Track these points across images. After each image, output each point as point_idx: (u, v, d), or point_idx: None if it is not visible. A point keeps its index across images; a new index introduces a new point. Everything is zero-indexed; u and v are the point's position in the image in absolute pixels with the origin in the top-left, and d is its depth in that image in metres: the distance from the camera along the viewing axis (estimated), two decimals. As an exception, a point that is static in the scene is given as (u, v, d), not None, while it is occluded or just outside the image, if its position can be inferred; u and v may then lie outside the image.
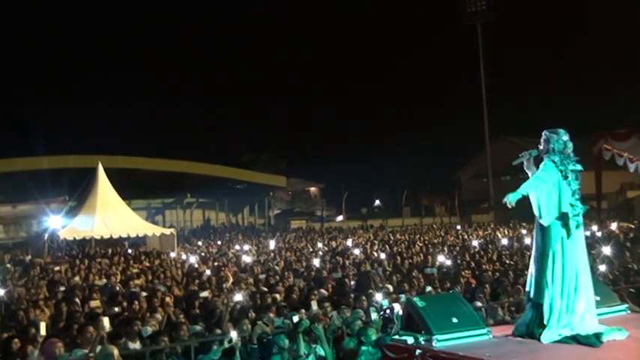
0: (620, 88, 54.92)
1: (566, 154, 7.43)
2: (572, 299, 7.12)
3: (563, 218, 7.22)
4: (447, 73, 67.80)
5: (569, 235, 7.20)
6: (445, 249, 24.98)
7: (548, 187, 7.27)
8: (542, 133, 7.57)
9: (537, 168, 7.52)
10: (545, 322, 7.11)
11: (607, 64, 57.78)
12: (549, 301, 7.15)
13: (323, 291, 14.13)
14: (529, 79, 61.84)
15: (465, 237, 33.48)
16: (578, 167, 7.44)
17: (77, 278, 19.81)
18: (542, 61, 63.65)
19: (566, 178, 7.29)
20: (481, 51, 55.27)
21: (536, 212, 7.34)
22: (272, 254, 26.51)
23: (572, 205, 7.25)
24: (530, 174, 7.56)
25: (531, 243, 7.78)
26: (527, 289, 7.63)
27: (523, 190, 7.28)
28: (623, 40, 57.39)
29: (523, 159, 7.72)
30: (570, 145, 7.49)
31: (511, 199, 7.23)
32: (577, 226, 7.28)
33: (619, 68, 57.33)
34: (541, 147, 7.57)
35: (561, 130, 7.53)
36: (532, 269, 7.54)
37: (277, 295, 13.58)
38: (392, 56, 73.43)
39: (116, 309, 13.12)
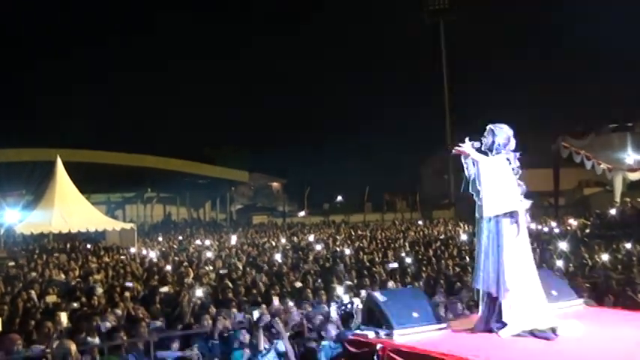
0: (580, 87, 55.70)
1: (513, 150, 7.46)
2: (526, 294, 7.20)
3: (516, 215, 7.27)
4: (409, 69, 67.91)
5: (519, 230, 7.25)
6: (406, 244, 25.18)
7: (502, 183, 7.26)
8: (487, 127, 7.57)
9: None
10: (502, 317, 7.19)
11: (569, 62, 58.31)
12: (504, 296, 7.22)
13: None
14: (490, 76, 62.37)
15: (426, 232, 33.76)
16: (517, 163, 7.47)
17: (34, 273, 19.59)
18: (502, 57, 64.08)
19: (517, 174, 7.35)
20: (444, 49, 55.69)
21: (485, 207, 7.33)
22: (234, 249, 26.44)
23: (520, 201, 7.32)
24: (469, 165, 7.53)
25: (478, 239, 7.75)
26: (477, 285, 7.67)
27: (482, 171, 7.24)
28: (586, 38, 58.02)
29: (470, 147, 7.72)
30: (513, 140, 7.48)
31: (470, 156, 7.26)
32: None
33: (583, 67, 58.02)
34: (485, 140, 7.55)
35: (505, 126, 7.53)
36: (482, 265, 7.58)
37: (239, 290, 13.58)
38: (353, 52, 73.28)
39: (75, 304, 13.00)
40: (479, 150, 7.54)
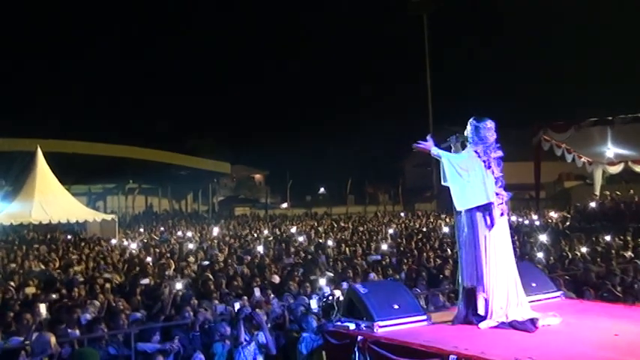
0: (560, 81, 56.01)
1: (490, 143, 7.47)
2: (505, 286, 7.24)
3: (489, 207, 7.30)
4: (393, 62, 68.00)
5: (494, 223, 7.29)
6: (388, 237, 25.22)
7: (470, 176, 7.30)
8: (469, 121, 7.61)
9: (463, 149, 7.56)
10: (481, 309, 7.24)
11: (550, 55, 58.70)
12: (483, 289, 7.27)
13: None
14: (473, 70, 62.61)
15: (408, 225, 33.83)
16: (499, 154, 7.50)
17: (13, 265, 19.47)
18: (485, 51, 64.29)
19: (489, 167, 7.36)
20: (427, 41, 55.63)
21: (456, 202, 7.40)
22: (215, 241, 26.38)
23: (496, 194, 7.34)
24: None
25: (457, 232, 7.79)
26: (458, 277, 7.72)
27: (446, 166, 7.30)
28: (565, 34, 58.39)
29: (450, 143, 7.75)
30: (494, 134, 7.50)
31: (432, 151, 7.33)
32: (502, 214, 7.36)
33: (563, 60, 58.33)
34: (466, 133, 7.61)
35: (487, 119, 7.54)
36: (461, 258, 7.63)
37: (221, 282, 13.56)
38: (337, 44, 73.26)
39: (54, 296, 12.94)
40: (456, 143, 7.58)
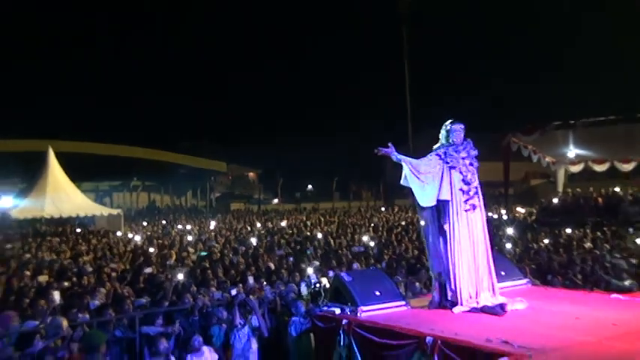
0: (527, 85, 56.17)
1: (457, 144, 7.49)
2: (474, 274, 7.27)
3: (448, 203, 7.33)
4: (375, 66, 68.06)
5: (459, 216, 7.30)
6: (371, 229, 25.24)
7: (427, 178, 7.32)
8: (443, 125, 7.63)
9: None
10: (454, 296, 7.27)
11: (522, 60, 58.67)
12: (448, 277, 7.29)
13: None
14: (452, 72, 62.83)
15: (389, 219, 33.86)
16: (474, 152, 7.53)
17: (28, 255, 19.38)
18: (464, 55, 64.41)
19: (452, 167, 7.35)
20: (406, 48, 55.42)
21: (417, 199, 7.40)
22: (213, 234, 26.34)
23: (462, 191, 7.35)
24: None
25: (424, 226, 7.82)
26: (430, 267, 7.75)
27: (405, 168, 7.34)
28: (542, 37, 58.42)
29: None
30: (461, 135, 7.51)
31: (393, 156, 7.34)
32: (474, 208, 7.36)
33: (534, 65, 58.50)
34: (440, 136, 7.65)
35: (458, 123, 7.57)
36: (428, 249, 7.66)
37: (217, 271, 13.54)
38: (322, 49, 73.29)
39: (66, 283, 12.91)
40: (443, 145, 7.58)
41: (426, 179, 7.30)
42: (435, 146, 7.65)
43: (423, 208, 7.51)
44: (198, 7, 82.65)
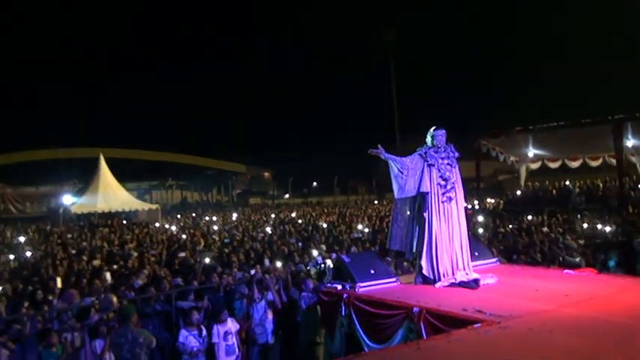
0: (498, 96, 56.11)
1: (438, 147, 7.45)
2: (450, 255, 7.26)
3: (427, 195, 7.29)
4: (368, 84, 68.02)
5: (436, 206, 7.27)
6: (366, 219, 25.23)
7: (408, 174, 7.30)
8: (429, 131, 7.60)
9: None
10: (434, 273, 7.26)
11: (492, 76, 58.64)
12: (433, 258, 7.28)
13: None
14: (432, 87, 62.97)
15: (381, 209, 33.85)
16: (454, 154, 7.50)
17: (84, 243, 19.46)
18: (442, 68, 64.41)
19: (431, 165, 7.32)
20: (393, 69, 55.18)
21: (395, 192, 7.40)
22: (234, 224, 26.35)
23: (440, 185, 7.32)
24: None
25: (397, 214, 7.82)
26: (412, 249, 7.74)
27: (391, 166, 7.35)
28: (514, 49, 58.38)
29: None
30: (442, 139, 7.48)
31: (383, 155, 7.32)
32: (450, 200, 7.33)
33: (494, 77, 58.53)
34: (427, 139, 7.61)
35: (441, 129, 7.54)
36: (412, 235, 7.64)
37: (239, 254, 13.56)
38: (323, 66, 73.54)
39: (115, 266, 12.95)
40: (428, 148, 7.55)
41: (408, 174, 7.33)
42: (418, 148, 7.65)
43: (401, 199, 7.52)
44: (209, 20, 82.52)
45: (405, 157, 7.46)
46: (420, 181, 7.31)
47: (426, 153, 7.40)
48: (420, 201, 7.43)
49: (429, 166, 7.33)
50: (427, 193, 7.28)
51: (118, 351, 6.63)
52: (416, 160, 7.39)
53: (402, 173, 7.31)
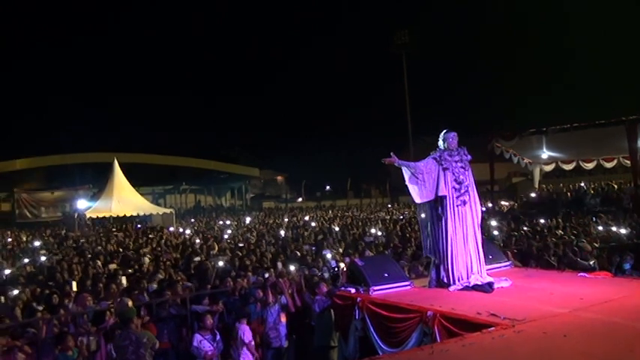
0: (510, 98, 55.89)
1: (451, 150, 7.44)
2: (466, 258, 7.24)
3: (444, 199, 7.27)
4: (380, 87, 68.07)
5: (451, 210, 7.25)
6: (379, 222, 25.17)
7: (424, 179, 7.29)
8: (440, 134, 7.60)
9: None
10: (449, 277, 7.24)
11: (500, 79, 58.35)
12: (442, 260, 7.27)
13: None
14: (443, 90, 62.97)
15: (394, 213, 33.76)
16: (467, 157, 7.48)
17: (99, 247, 19.58)
18: (453, 74, 64.39)
19: (446, 169, 7.31)
20: (406, 71, 55.14)
21: (414, 197, 7.39)
22: (248, 228, 26.40)
23: (454, 188, 7.30)
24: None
25: (424, 219, 7.81)
26: (427, 253, 7.74)
27: (405, 172, 7.34)
28: (519, 59, 58.20)
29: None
30: (454, 141, 7.47)
31: (396, 163, 7.31)
32: (464, 203, 7.31)
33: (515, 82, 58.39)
34: (438, 143, 7.61)
35: (452, 132, 7.53)
36: (427, 238, 7.63)
37: (253, 258, 13.58)
38: (339, 79, 73.94)
39: (130, 270, 13.01)
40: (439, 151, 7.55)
41: (424, 178, 7.30)
42: (432, 151, 7.63)
43: (420, 204, 7.52)
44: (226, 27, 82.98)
45: (418, 161, 7.46)
46: (437, 185, 7.29)
47: (440, 157, 7.37)
48: (435, 205, 7.40)
49: (444, 169, 7.31)
50: (444, 197, 7.26)
51: (122, 354, 6.66)
52: (430, 164, 7.36)
53: (417, 178, 7.30)
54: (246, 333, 8.07)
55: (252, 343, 8.10)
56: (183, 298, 8.95)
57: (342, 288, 7.68)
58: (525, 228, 16.89)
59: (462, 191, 7.32)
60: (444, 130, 7.58)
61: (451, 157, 7.37)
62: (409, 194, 7.47)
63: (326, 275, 10.00)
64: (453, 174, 7.31)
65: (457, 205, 7.28)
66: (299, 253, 14.34)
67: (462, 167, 7.39)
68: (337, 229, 21.76)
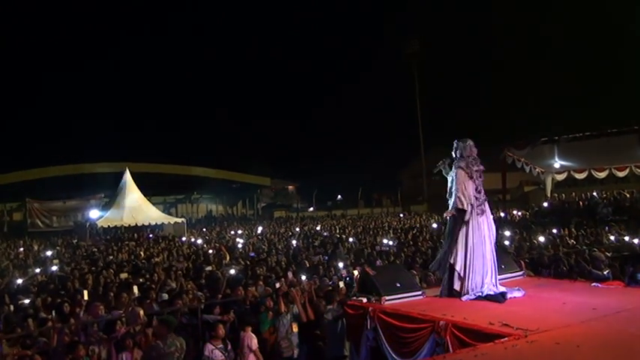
0: (522, 108, 55.76)
1: (472, 158, 7.45)
2: (481, 268, 7.21)
3: (463, 211, 7.26)
4: (392, 96, 68.06)
5: (472, 219, 7.24)
6: (390, 232, 25.12)
7: (452, 190, 7.33)
8: (454, 142, 7.61)
9: (451, 169, 7.51)
10: (457, 286, 7.21)
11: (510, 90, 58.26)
12: (462, 270, 7.24)
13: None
14: (456, 99, 63.01)
15: (406, 222, 33.67)
16: (481, 167, 7.47)
17: (111, 257, 19.66)
18: (465, 84, 64.39)
19: (471, 177, 7.34)
20: (417, 81, 55.19)
21: (450, 203, 7.38)
22: (259, 237, 26.42)
23: (475, 197, 7.30)
24: (447, 175, 7.58)
25: (446, 227, 7.79)
26: (434, 268, 7.72)
27: (453, 184, 7.34)
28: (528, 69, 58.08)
29: (440, 167, 7.75)
30: (474, 150, 7.48)
31: (443, 172, 7.40)
32: (482, 213, 7.31)
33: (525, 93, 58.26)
34: (453, 154, 7.61)
35: (468, 139, 7.54)
36: (444, 246, 7.62)
37: (264, 268, 13.58)
38: (348, 87, 74.12)
39: (141, 279, 13.04)
40: (445, 165, 7.56)
41: (452, 190, 7.37)
42: (444, 158, 7.63)
43: (454, 213, 7.43)
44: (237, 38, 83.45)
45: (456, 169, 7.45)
46: (457, 198, 7.27)
47: (467, 165, 7.36)
48: (459, 214, 7.36)
49: (470, 178, 7.31)
50: (471, 205, 7.24)
51: None
52: (458, 176, 7.34)
53: (451, 189, 7.38)
54: (252, 340, 8.06)
55: (257, 349, 8.09)
56: (195, 307, 8.96)
57: (354, 297, 7.67)
58: (540, 238, 16.76)
59: (481, 201, 7.33)
60: (461, 139, 7.56)
61: (474, 166, 7.37)
62: (447, 201, 7.46)
63: (340, 284, 9.97)
64: (475, 183, 7.31)
65: (477, 214, 7.27)
66: (307, 263, 14.31)
67: (479, 176, 7.39)
68: (352, 239, 21.71)
